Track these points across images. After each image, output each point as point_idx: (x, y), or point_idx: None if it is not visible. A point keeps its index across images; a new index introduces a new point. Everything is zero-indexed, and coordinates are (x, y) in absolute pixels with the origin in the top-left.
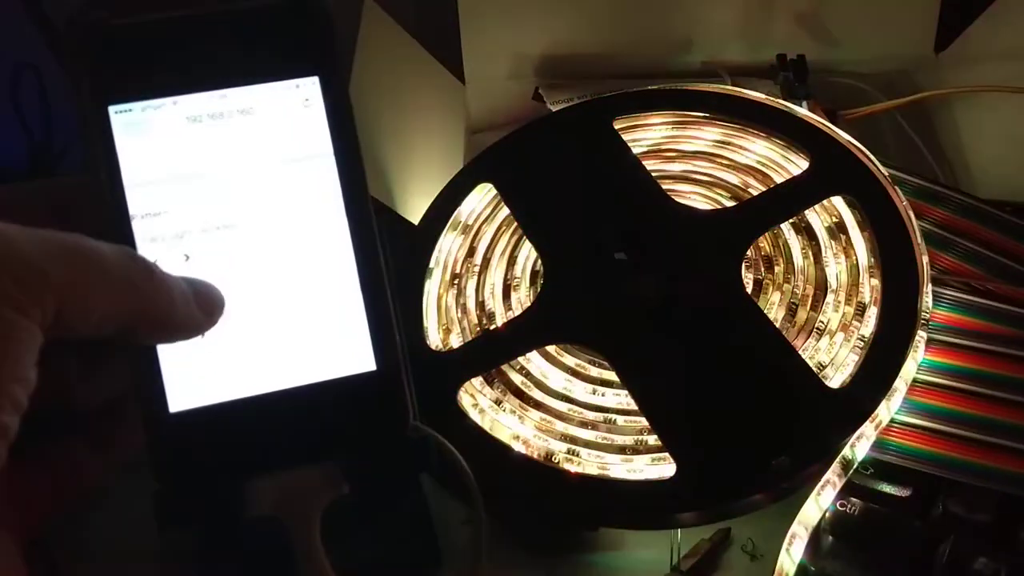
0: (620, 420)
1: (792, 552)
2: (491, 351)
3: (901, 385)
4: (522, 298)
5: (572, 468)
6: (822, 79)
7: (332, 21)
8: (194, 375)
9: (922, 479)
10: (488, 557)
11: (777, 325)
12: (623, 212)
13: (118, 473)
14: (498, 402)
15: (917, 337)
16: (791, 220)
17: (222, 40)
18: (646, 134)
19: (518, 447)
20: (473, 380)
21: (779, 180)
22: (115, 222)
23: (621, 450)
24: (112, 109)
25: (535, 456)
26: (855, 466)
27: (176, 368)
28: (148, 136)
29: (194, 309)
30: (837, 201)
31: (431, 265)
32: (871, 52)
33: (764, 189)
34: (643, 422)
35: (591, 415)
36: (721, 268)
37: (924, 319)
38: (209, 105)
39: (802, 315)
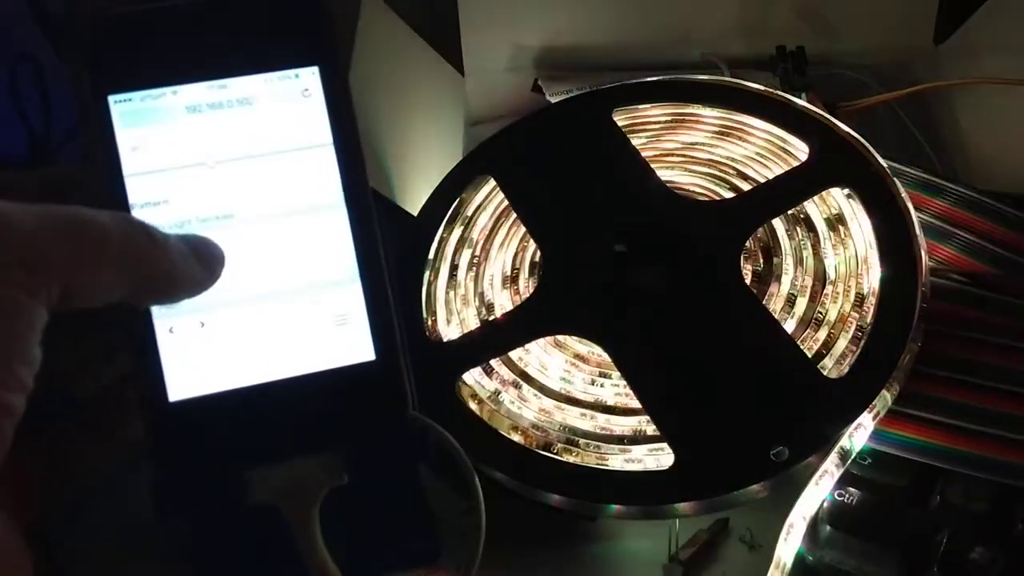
0: (618, 410)
1: (790, 542)
2: (490, 342)
3: (899, 376)
4: (521, 289)
5: (570, 459)
6: (821, 71)
7: (332, 11)
8: (194, 364)
9: (920, 469)
10: (486, 547)
11: (776, 316)
12: (622, 203)
13: (117, 462)
14: (496, 393)
15: (915, 328)
16: (790, 211)
17: (222, 30)
18: (645, 126)
19: (516, 438)
20: (472, 371)
21: (778, 171)
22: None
23: (619, 440)
24: (112, 99)
25: (533, 446)
26: (853, 456)
27: (175, 357)
28: (148, 126)
29: (194, 267)
30: (836, 192)
31: (430, 256)
32: (871, 44)
33: (763, 181)
34: (642, 412)
35: (589, 405)
36: (720, 259)
37: (923, 310)
38: (209, 95)
39: (801, 306)
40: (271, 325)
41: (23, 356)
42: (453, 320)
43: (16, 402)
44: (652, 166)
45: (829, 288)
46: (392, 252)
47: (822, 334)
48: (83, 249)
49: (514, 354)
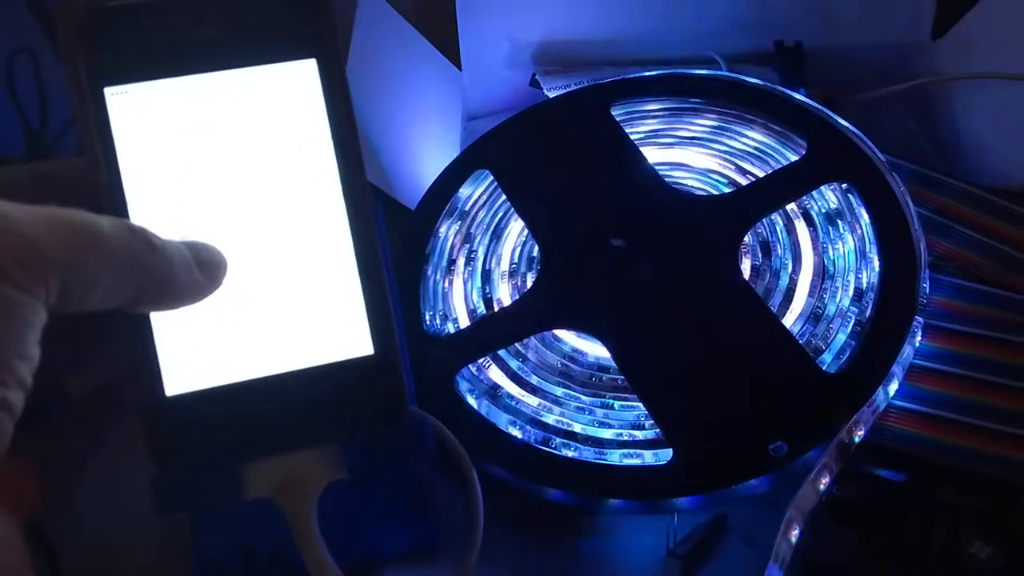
0: (617, 405)
1: (788, 537)
2: (488, 337)
3: (898, 370)
4: (519, 284)
5: (569, 453)
6: (819, 65)
7: (330, 4)
8: (191, 359)
9: (918, 464)
10: (484, 541)
11: (774, 311)
12: (620, 198)
13: (115, 457)
14: (495, 387)
15: (914, 323)
16: (789, 206)
17: (219, 22)
18: (643, 120)
19: (515, 432)
20: (470, 365)
21: (777, 166)
22: (111, 204)
23: (618, 435)
24: (108, 91)
25: (532, 441)
26: (852, 450)
27: (172, 352)
28: (144, 118)
29: (196, 274)
30: (835, 187)
31: (428, 251)
32: (869, 38)
33: (761, 175)
34: (640, 407)
35: (588, 400)
36: (719, 254)
37: (921, 305)
38: (206, 87)
39: (799, 301)
40: (269, 319)
41: (21, 354)
42: (451, 315)
43: (15, 399)
44: (650, 160)
45: (828, 283)
46: (390, 247)
47: (821, 329)
48: (81, 251)
49: (512, 349)
